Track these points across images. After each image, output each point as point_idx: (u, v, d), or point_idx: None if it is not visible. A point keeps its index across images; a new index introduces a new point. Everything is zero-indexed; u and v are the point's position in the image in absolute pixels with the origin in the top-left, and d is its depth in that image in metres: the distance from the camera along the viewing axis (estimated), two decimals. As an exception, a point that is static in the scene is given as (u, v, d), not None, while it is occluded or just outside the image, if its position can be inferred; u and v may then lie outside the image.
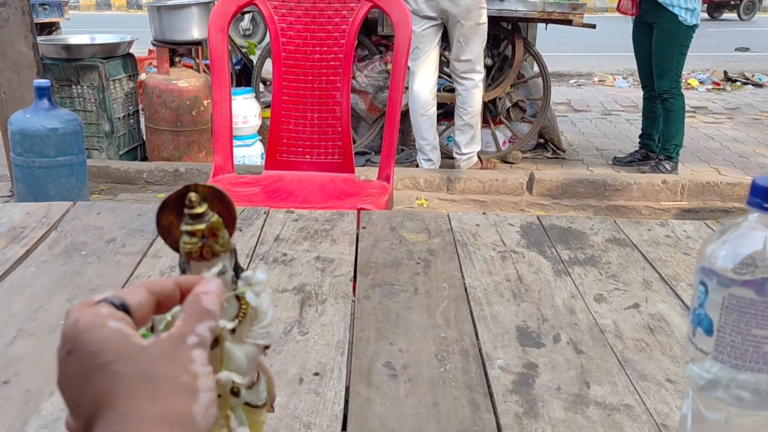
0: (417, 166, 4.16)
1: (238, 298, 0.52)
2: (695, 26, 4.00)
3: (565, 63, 8.26)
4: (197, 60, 4.37)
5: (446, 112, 4.43)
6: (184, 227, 0.48)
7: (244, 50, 4.88)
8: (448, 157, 4.28)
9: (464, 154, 4.11)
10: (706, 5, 13.49)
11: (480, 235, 1.20)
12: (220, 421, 0.52)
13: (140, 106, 4.37)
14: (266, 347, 0.54)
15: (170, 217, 0.50)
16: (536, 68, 4.52)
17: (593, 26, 4.28)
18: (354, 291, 0.99)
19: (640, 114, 4.65)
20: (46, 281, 0.98)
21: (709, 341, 0.56)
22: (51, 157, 2.94)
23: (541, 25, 4.58)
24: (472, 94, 3.98)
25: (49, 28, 5.43)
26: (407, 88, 3.91)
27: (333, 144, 1.97)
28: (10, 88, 3.38)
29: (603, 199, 3.91)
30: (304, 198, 1.82)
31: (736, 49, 10.34)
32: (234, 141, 2.06)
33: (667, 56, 4.06)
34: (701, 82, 7.41)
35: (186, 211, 0.48)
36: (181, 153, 4.16)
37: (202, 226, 0.48)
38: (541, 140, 4.73)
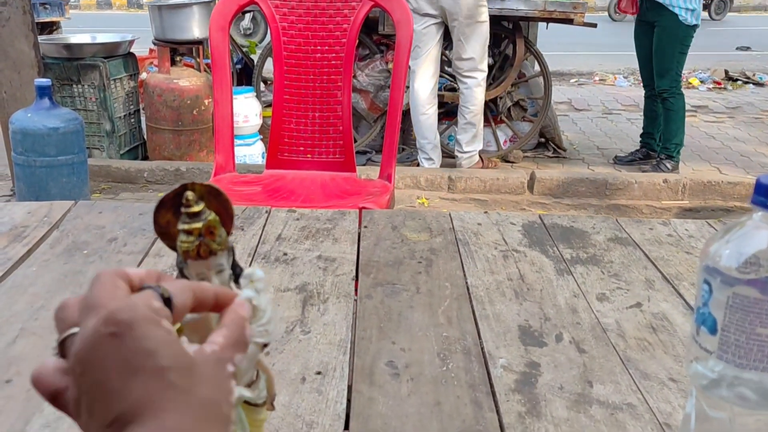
0: (418, 165, 4.16)
1: (238, 297, 0.52)
2: (696, 26, 4.00)
3: (566, 62, 8.25)
4: (198, 59, 4.37)
5: (447, 112, 4.43)
6: (181, 226, 0.48)
7: (245, 49, 4.87)
8: (449, 156, 4.28)
9: (466, 152, 4.10)
10: (708, 5, 13.47)
11: (482, 234, 1.20)
12: None
13: (141, 106, 4.37)
14: (265, 345, 0.54)
15: (168, 215, 0.50)
16: (537, 67, 4.52)
17: (594, 25, 4.28)
18: (356, 290, 0.99)
19: (641, 113, 4.65)
20: (48, 280, 0.98)
21: (713, 340, 0.56)
22: (52, 157, 2.94)
23: (542, 24, 4.58)
24: (475, 92, 3.98)
25: (50, 28, 5.43)
26: (408, 87, 3.91)
27: (334, 143, 1.97)
28: (11, 88, 3.38)
29: (604, 198, 3.91)
30: (305, 197, 1.82)
31: (737, 48, 10.33)
32: (235, 140, 2.06)
33: (667, 55, 4.06)
34: (702, 81, 7.40)
35: (183, 209, 0.48)
36: (182, 152, 4.16)
37: (198, 225, 0.47)
38: (542, 139, 4.72)
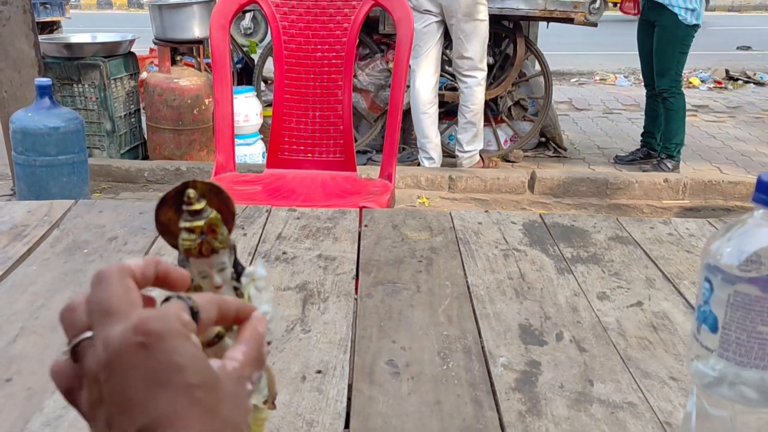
0: (418, 164, 4.16)
1: (239, 295, 0.52)
2: (696, 26, 3.99)
3: (567, 61, 8.25)
4: (198, 58, 4.36)
5: (447, 111, 4.42)
6: (182, 224, 0.48)
7: (245, 49, 4.87)
8: (449, 155, 4.28)
9: (466, 152, 4.10)
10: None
11: (482, 233, 1.20)
12: None
13: (141, 105, 4.37)
14: (267, 344, 0.54)
15: (169, 213, 0.49)
16: (538, 67, 4.51)
17: (595, 24, 4.27)
18: (356, 289, 0.99)
19: (642, 112, 4.64)
20: (48, 279, 0.98)
21: (714, 338, 0.56)
22: (52, 156, 2.94)
23: (542, 24, 4.57)
24: (475, 92, 3.98)
25: (50, 27, 5.43)
26: (409, 86, 3.91)
27: (335, 142, 1.97)
28: (11, 87, 3.38)
29: (604, 197, 3.91)
30: (305, 196, 1.82)
31: (737, 48, 10.32)
32: (235, 140, 2.06)
33: (667, 55, 4.06)
34: (703, 81, 7.40)
35: (184, 207, 0.47)
36: (182, 152, 4.16)
37: (200, 223, 0.47)
38: (543, 139, 4.72)
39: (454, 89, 4.24)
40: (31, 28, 3.37)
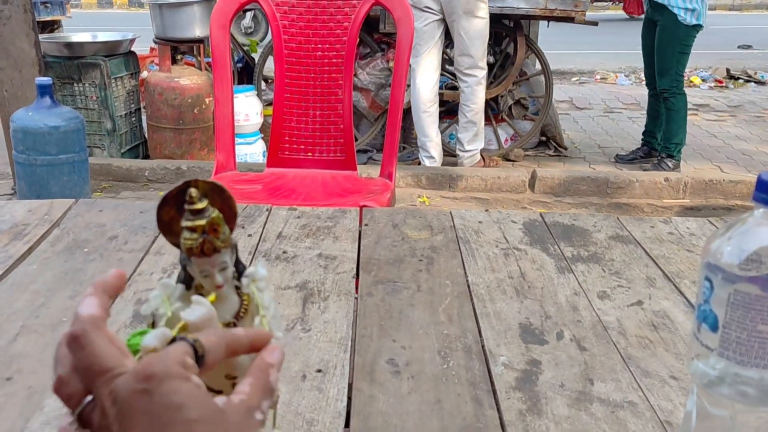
0: (419, 163, 4.16)
1: (240, 294, 0.52)
2: (697, 26, 3.98)
3: (567, 61, 8.24)
4: (199, 58, 4.36)
5: (448, 110, 4.42)
6: (184, 223, 0.48)
7: (246, 48, 4.87)
8: (449, 155, 4.28)
9: (467, 151, 4.10)
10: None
11: (483, 233, 1.20)
12: None
13: (142, 104, 4.37)
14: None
15: (171, 212, 0.49)
16: (538, 66, 4.51)
17: (595, 23, 4.27)
18: (356, 288, 0.99)
19: (643, 111, 4.64)
20: (49, 278, 0.98)
21: (715, 337, 0.56)
22: (53, 155, 2.94)
23: (543, 23, 4.57)
24: (475, 91, 3.97)
25: (50, 26, 5.43)
26: (409, 85, 3.91)
27: (335, 141, 1.97)
28: (12, 86, 3.38)
29: (605, 196, 3.91)
30: (306, 195, 1.82)
31: (738, 47, 10.32)
32: (236, 139, 2.05)
33: (667, 55, 4.05)
34: (704, 80, 7.39)
35: (186, 206, 0.47)
36: (182, 151, 4.16)
37: (202, 222, 0.47)
38: (543, 138, 4.72)
39: (455, 88, 4.24)
40: (31, 28, 3.37)
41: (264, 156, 4.04)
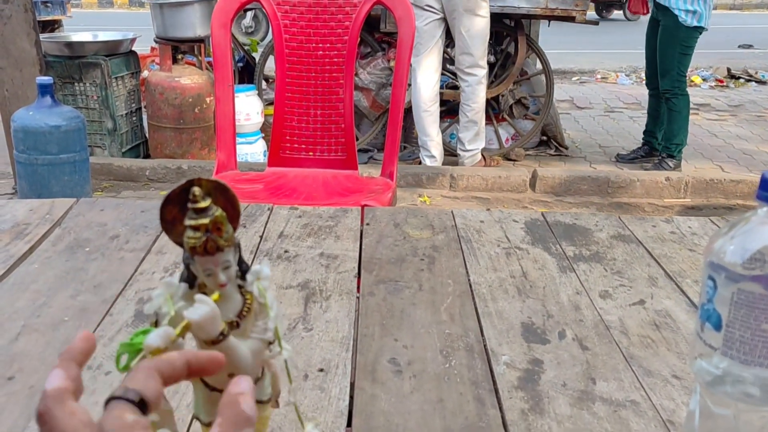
0: (420, 163, 4.15)
1: (243, 293, 0.52)
2: (699, 28, 3.97)
3: (568, 60, 8.24)
4: (200, 57, 4.36)
5: (449, 109, 4.42)
6: (187, 222, 0.48)
7: (246, 47, 4.87)
8: (450, 154, 4.28)
9: (468, 150, 4.10)
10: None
11: (484, 232, 1.20)
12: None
13: (143, 104, 4.37)
14: (270, 343, 0.54)
15: (174, 211, 0.49)
16: (539, 65, 4.51)
17: (596, 23, 4.27)
18: (358, 287, 0.99)
19: (643, 111, 4.64)
20: (50, 277, 0.98)
21: (718, 337, 0.56)
22: (54, 155, 2.94)
23: (543, 22, 4.57)
24: (476, 90, 3.97)
25: (51, 26, 5.44)
26: (410, 84, 3.91)
27: (336, 141, 1.97)
28: (12, 86, 3.38)
29: (606, 196, 3.91)
30: (307, 195, 1.82)
31: (739, 46, 10.31)
32: (237, 138, 2.05)
33: (668, 56, 4.05)
34: (704, 79, 7.39)
35: (190, 205, 0.47)
36: (183, 150, 4.16)
37: (205, 221, 0.47)
38: (544, 137, 4.72)
39: (456, 87, 4.24)
40: (32, 27, 3.37)
41: (265, 155, 4.04)
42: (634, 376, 0.79)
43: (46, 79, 2.92)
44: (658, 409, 0.73)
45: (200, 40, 4.25)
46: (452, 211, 1.28)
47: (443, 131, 4.27)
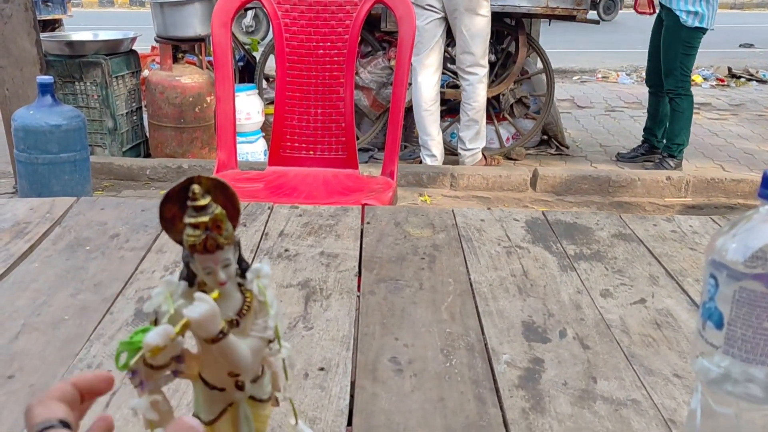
0: (420, 162, 4.15)
1: (243, 291, 0.52)
2: (700, 29, 3.96)
3: (569, 59, 8.23)
4: (200, 56, 4.36)
5: (449, 109, 4.42)
6: (187, 219, 0.48)
7: (247, 47, 4.87)
8: (451, 153, 4.28)
9: (469, 149, 4.10)
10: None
11: (485, 231, 1.19)
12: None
13: (143, 103, 4.37)
14: (270, 341, 0.54)
15: (174, 209, 0.49)
16: (540, 64, 4.51)
17: (597, 22, 4.27)
18: (359, 286, 0.99)
19: (644, 110, 4.64)
20: (50, 276, 0.98)
21: (719, 335, 0.55)
22: (54, 154, 2.94)
23: (544, 21, 4.57)
24: (477, 89, 3.97)
25: (52, 25, 5.43)
26: (410, 84, 3.90)
27: (336, 140, 1.97)
28: (13, 85, 3.38)
29: (607, 195, 3.90)
30: (308, 194, 1.82)
31: (740, 46, 10.31)
32: (237, 137, 2.05)
33: (670, 55, 4.05)
34: (705, 79, 7.38)
35: (189, 203, 0.47)
36: (184, 149, 4.16)
37: (205, 219, 0.47)
38: (545, 137, 4.72)
39: (456, 87, 4.24)
40: (32, 26, 3.37)
41: (265, 155, 4.04)
42: (635, 375, 0.79)
43: (47, 79, 2.92)
44: (659, 408, 0.73)
45: (201, 40, 4.25)
46: (453, 210, 1.28)
47: (444, 130, 4.27)
